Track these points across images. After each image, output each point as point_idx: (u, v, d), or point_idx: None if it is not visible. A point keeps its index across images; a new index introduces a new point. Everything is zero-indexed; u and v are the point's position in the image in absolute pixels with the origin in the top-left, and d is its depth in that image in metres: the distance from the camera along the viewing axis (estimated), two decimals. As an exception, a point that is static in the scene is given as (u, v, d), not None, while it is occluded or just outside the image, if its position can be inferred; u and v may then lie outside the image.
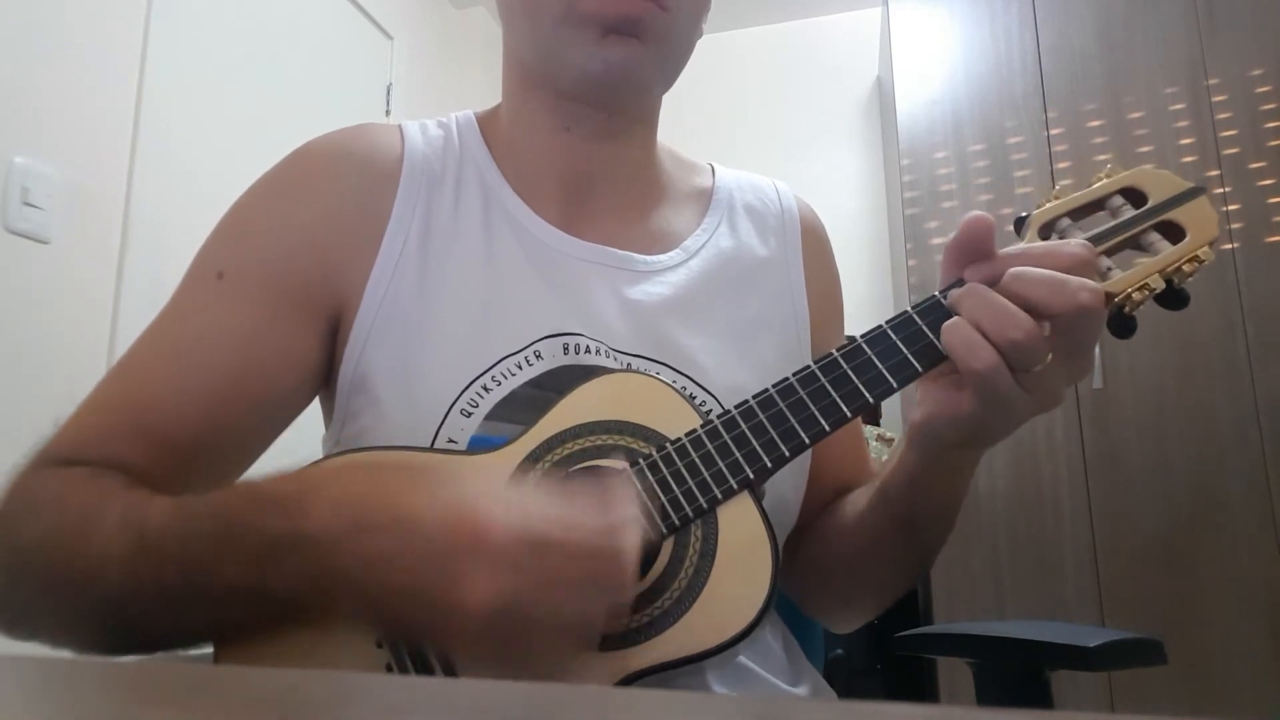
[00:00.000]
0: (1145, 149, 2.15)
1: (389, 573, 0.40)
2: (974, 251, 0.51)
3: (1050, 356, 0.47)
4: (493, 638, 0.40)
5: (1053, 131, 2.25)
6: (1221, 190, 2.10)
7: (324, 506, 0.43)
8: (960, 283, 0.50)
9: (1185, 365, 2.05)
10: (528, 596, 0.39)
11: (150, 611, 0.46)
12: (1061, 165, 2.22)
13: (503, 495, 0.42)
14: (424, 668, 0.45)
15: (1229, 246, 2.07)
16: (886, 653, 2.15)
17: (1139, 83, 2.21)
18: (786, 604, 0.72)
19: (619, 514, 0.42)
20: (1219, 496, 1.98)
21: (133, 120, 1.73)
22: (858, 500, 0.63)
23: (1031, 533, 2.07)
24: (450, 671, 0.45)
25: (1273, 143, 2.10)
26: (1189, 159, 2.13)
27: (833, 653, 0.95)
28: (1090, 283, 0.47)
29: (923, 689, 2.20)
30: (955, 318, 0.48)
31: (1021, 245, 0.52)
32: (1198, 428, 2.02)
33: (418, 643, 0.44)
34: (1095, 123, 2.23)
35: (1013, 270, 0.48)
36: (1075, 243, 0.50)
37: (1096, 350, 2.07)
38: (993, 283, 0.49)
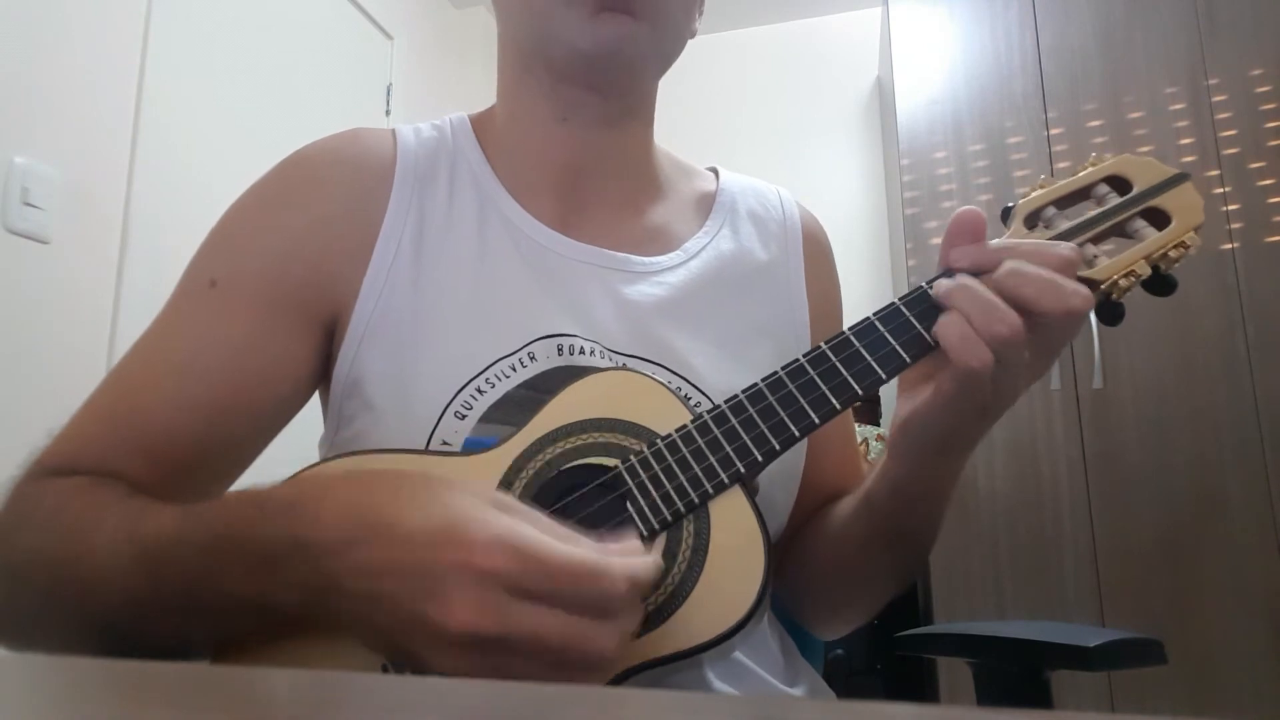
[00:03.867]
0: (1145, 149, 2.15)
1: (378, 583, 0.40)
2: (968, 240, 0.51)
3: (1026, 355, 0.47)
4: (473, 661, 0.38)
5: (1053, 131, 2.25)
6: (1221, 190, 2.10)
7: (319, 515, 0.42)
8: (950, 273, 0.50)
9: (1185, 365, 2.05)
10: (512, 625, 0.38)
11: (149, 623, 0.46)
12: (1061, 165, 2.22)
13: (495, 513, 0.41)
14: (420, 667, 0.45)
15: (1229, 246, 2.06)
16: (886, 653, 2.15)
17: (1139, 83, 2.21)
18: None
19: (619, 550, 0.41)
20: (1219, 496, 1.98)
21: (133, 120, 1.73)
22: (844, 509, 0.63)
23: (1031, 533, 2.07)
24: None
25: (1273, 143, 2.10)
26: (1189, 159, 2.13)
27: (833, 653, 0.95)
28: (1084, 289, 0.47)
29: (923, 689, 2.20)
30: (951, 313, 0.48)
31: (1010, 239, 0.52)
32: (1198, 428, 2.02)
33: (403, 657, 0.43)
34: (1095, 123, 2.23)
35: (1009, 265, 0.48)
36: (1065, 245, 0.50)
37: (1096, 350, 2.07)
38: (980, 271, 0.49)
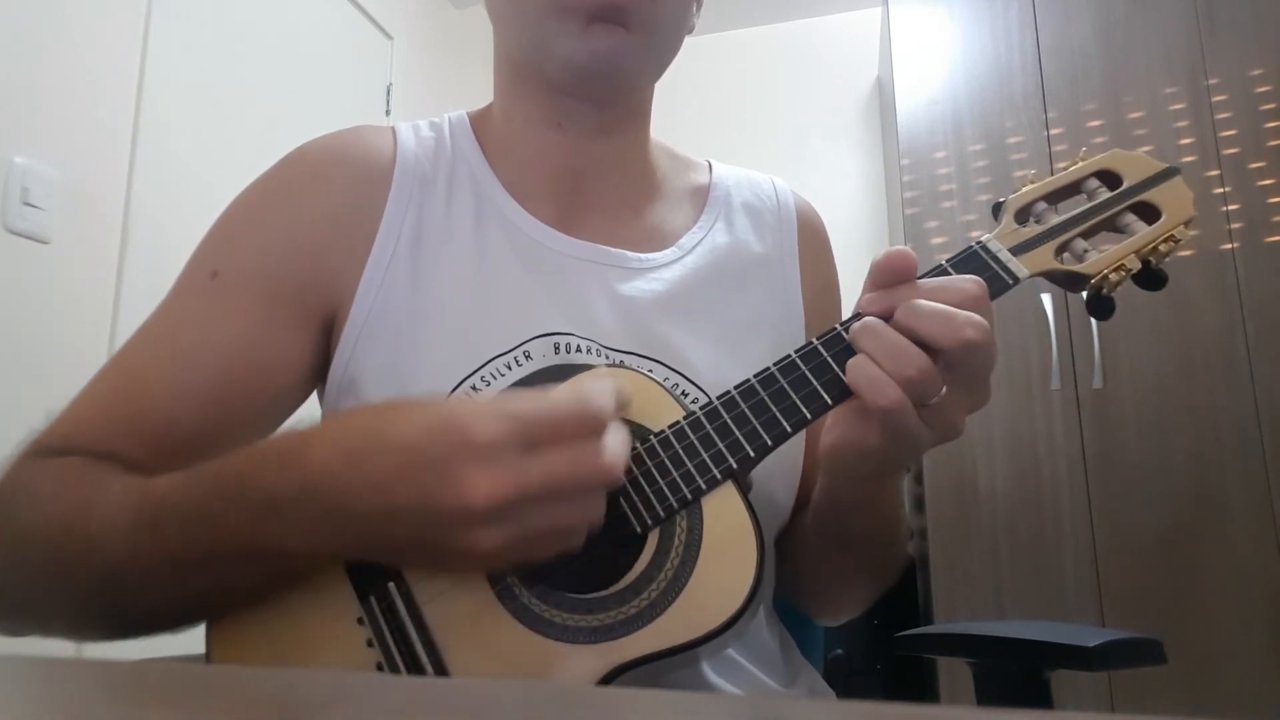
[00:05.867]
0: (1145, 149, 2.14)
1: (387, 495, 0.41)
2: (892, 282, 0.50)
3: (945, 390, 0.47)
4: (503, 529, 0.41)
5: (1053, 131, 2.25)
6: (1221, 190, 2.10)
7: (319, 451, 0.43)
8: (860, 317, 0.50)
9: (1185, 365, 2.04)
10: (527, 477, 0.40)
11: (149, 579, 0.46)
12: (1061, 165, 2.22)
13: (476, 400, 0.43)
14: (414, 665, 0.45)
15: (1229, 246, 2.06)
16: (886, 653, 2.15)
17: (1139, 83, 2.21)
18: (785, 604, 0.72)
19: (595, 389, 0.44)
20: (1219, 496, 1.98)
21: (133, 120, 1.73)
22: (807, 513, 0.63)
23: (1031, 533, 2.07)
24: (441, 670, 0.45)
25: (1273, 143, 2.10)
26: (1189, 159, 2.13)
27: (833, 653, 0.95)
28: (977, 318, 0.46)
29: (923, 689, 2.20)
30: (859, 355, 0.48)
31: (921, 280, 0.50)
32: (1198, 428, 2.01)
33: (433, 559, 0.44)
34: (1095, 123, 2.22)
35: (904, 305, 0.47)
36: (969, 279, 0.49)
37: (1096, 350, 2.07)
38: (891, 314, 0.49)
